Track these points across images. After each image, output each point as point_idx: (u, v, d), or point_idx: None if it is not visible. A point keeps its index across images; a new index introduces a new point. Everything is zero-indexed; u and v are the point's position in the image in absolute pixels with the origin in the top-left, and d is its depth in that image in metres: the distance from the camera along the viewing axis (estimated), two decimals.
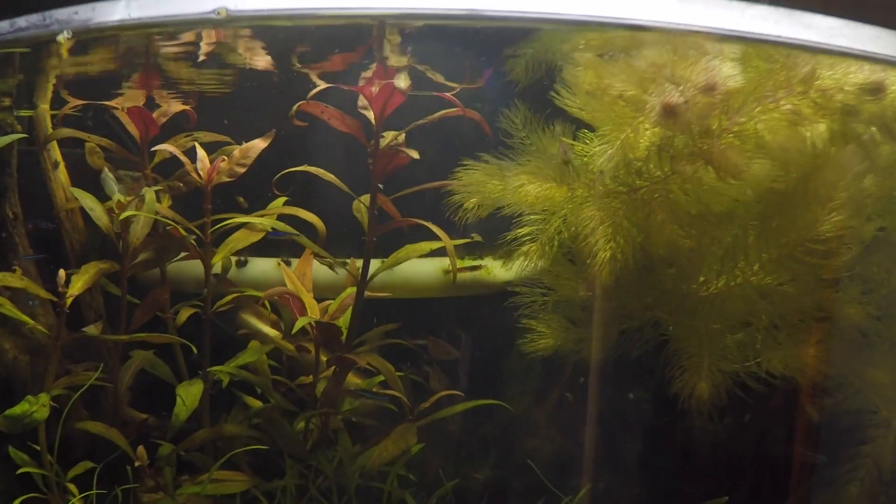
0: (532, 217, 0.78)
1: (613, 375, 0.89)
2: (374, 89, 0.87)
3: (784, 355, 0.72)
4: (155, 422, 1.09)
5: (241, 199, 1.06)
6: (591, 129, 0.76)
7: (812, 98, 0.65)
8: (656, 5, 0.58)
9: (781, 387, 0.85)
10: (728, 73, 0.62)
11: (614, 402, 0.92)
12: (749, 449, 0.90)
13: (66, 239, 1.11)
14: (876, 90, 0.65)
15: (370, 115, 0.90)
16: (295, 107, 0.88)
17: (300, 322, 0.92)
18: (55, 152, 1.11)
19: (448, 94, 0.90)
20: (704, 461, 0.90)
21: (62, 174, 1.12)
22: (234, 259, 1.13)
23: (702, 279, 0.70)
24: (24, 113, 1.08)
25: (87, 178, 1.06)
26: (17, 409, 0.91)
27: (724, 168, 0.64)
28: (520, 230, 0.78)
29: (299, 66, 0.89)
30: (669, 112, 0.59)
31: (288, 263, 1.12)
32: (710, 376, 0.68)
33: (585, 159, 0.76)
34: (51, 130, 1.08)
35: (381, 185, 0.92)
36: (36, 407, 0.91)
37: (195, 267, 1.06)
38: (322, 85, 0.87)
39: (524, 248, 0.76)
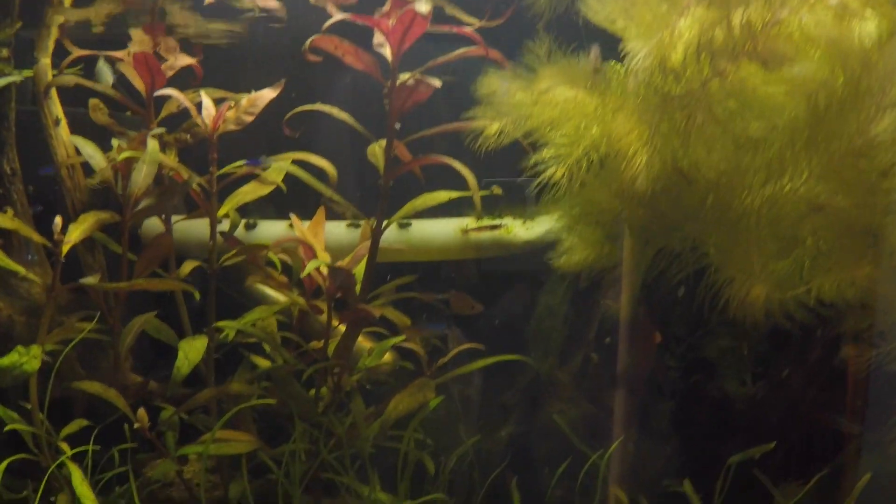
0: (560, 139, 0.73)
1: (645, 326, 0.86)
2: (391, 22, 0.84)
3: (835, 279, 0.67)
4: (157, 387, 1.05)
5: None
6: (618, 58, 0.72)
7: None
8: None
9: (821, 338, 0.81)
10: None
11: (643, 358, 0.89)
12: (788, 405, 0.85)
13: (67, 197, 1.08)
14: None
15: (387, 52, 0.87)
16: (308, 41, 0.85)
17: (311, 264, 0.88)
18: (56, 108, 1.08)
19: (468, 30, 0.87)
20: (740, 419, 0.86)
21: (63, 131, 1.09)
22: (242, 221, 1.09)
23: (748, 189, 0.66)
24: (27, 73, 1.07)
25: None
26: (6, 360, 0.87)
27: (769, 60, 0.61)
28: (545, 152, 0.73)
29: None
30: None
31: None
32: (764, 295, 0.64)
33: (615, 72, 0.72)
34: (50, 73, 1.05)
35: (398, 125, 0.88)
36: (26, 358, 0.87)
37: (201, 228, 1.03)
38: (338, 16, 0.83)
39: (550, 172, 0.72)
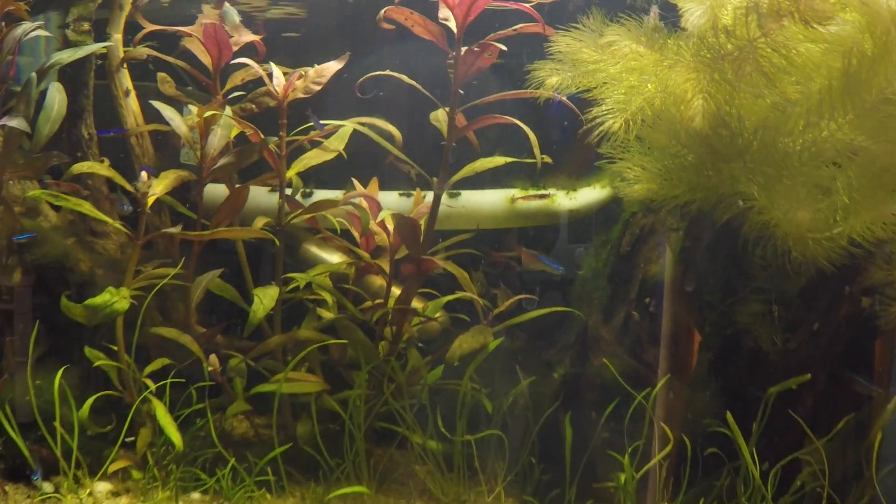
0: (616, 93, 0.84)
1: (688, 279, 0.96)
2: None
3: (866, 218, 0.77)
4: (223, 340, 1.15)
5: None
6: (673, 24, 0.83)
7: None
8: None
9: (849, 294, 0.91)
10: None
11: (684, 312, 0.98)
12: (819, 356, 0.94)
13: (135, 163, 1.19)
14: None
15: (452, 24, 0.98)
16: (382, 11, 0.96)
17: (382, 214, 0.99)
18: (126, 80, 1.19)
19: (527, 6, 0.98)
20: (773, 369, 0.95)
21: (133, 101, 1.20)
22: (300, 190, 1.20)
23: (789, 134, 0.76)
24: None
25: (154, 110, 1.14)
26: (98, 299, 0.97)
27: (809, 17, 0.71)
28: (605, 105, 0.84)
29: None
30: None
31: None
32: (806, 219, 0.75)
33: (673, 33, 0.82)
34: (121, 49, 1.16)
35: (461, 92, 0.99)
36: (117, 298, 0.97)
37: (257, 197, 1.14)
38: None
39: (608, 124, 0.82)
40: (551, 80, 0.86)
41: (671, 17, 0.86)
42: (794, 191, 0.74)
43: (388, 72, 1.01)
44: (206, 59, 1.13)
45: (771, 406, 0.92)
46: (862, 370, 0.96)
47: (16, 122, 0.99)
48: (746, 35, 0.76)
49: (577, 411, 1.00)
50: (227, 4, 1.05)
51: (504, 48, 0.95)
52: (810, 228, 0.74)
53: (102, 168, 0.99)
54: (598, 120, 0.86)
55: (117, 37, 1.17)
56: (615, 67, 0.81)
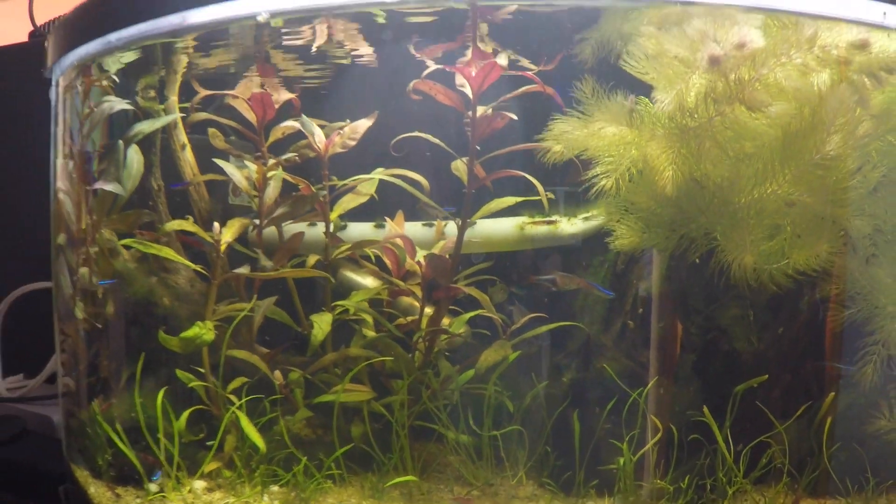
0: (606, 159, 1.11)
1: (673, 298, 1.23)
2: (472, 70, 1.21)
3: (806, 254, 1.05)
4: (279, 356, 1.42)
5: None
6: (648, 96, 1.10)
7: (815, 53, 0.99)
8: None
9: (807, 299, 1.18)
10: (754, 36, 0.97)
11: (671, 320, 1.26)
12: (784, 350, 1.22)
13: (194, 207, 1.46)
14: (862, 46, 0.99)
15: (468, 90, 1.25)
16: (411, 84, 1.23)
17: (420, 254, 1.26)
18: (183, 135, 1.46)
19: (529, 73, 1.25)
20: (749, 365, 1.22)
21: (189, 154, 1.47)
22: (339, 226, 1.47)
23: (742, 191, 1.04)
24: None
25: (206, 159, 1.41)
26: (190, 333, 1.24)
27: (753, 105, 0.99)
28: (596, 170, 1.11)
29: (416, 53, 1.23)
30: (714, 61, 0.93)
31: (382, 226, 1.46)
32: (753, 262, 1.03)
33: (647, 111, 1.10)
34: (178, 117, 1.43)
35: (478, 147, 1.26)
36: (205, 330, 1.24)
37: (309, 232, 1.41)
38: (433, 66, 1.22)
39: (601, 184, 1.10)
40: (556, 147, 1.13)
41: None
42: (742, 239, 1.01)
43: (416, 133, 1.27)
44: (251, 117, 1.40)
45: (744, 398, 1.19)
46: (817, 366, 1.25)
47: (112, 187, 1.26)
48: (706, 114, 1.03)
49: (583, 408, 1.28)
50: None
51: (515, 117, 1.22)
52: (756, 267, 1.02)
53: (188, 224, 1.26)
54: (593, 180, 1.14)
55: (174, 98, 1.44)
56: (603, 142, 1.09)
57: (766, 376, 1.16)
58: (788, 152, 1.02)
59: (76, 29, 1.19)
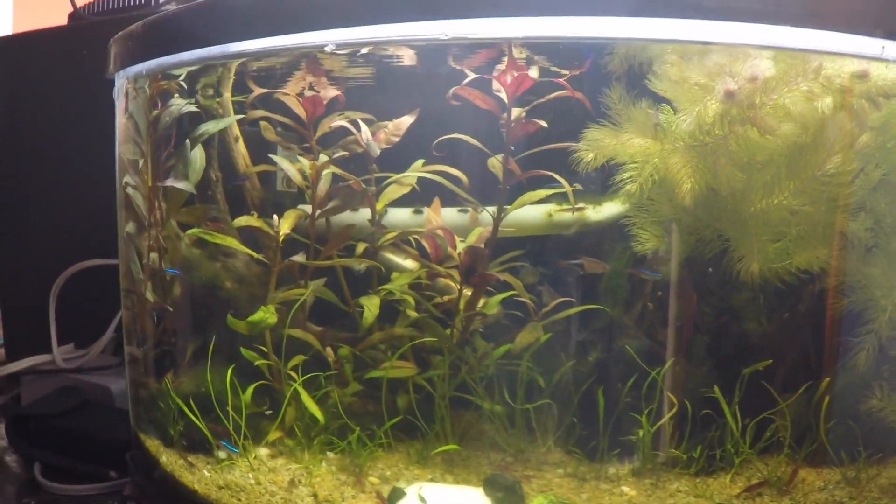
0: (631, 166, 1.28)
1: (689, 285, 1.40)
2: (508, 78, 1.38)
3: (807, 256, 1.23)
4: (330, 333, 1.60)
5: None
6: (669, 103, 1.27)
7: (820, 82, 1.15)
8: (718, 29, 1.09)
9: (810, 289, 1.36)
10: (765, 67, 1.13)
11: (687, 305, 1.43)
12: (792, 333, 1.39)
13: (247, 196, 1.63)
14: (862, 76, 1.16)
15: (503, 96, 1.41)
16: (451, 90, 1.39)
17: (460, 246, 1.44)
18: (236, 129, 1.63)
19: (560, 80, 1.41)
20: (757, 347, 1.40)
21: (241, 146, 1.63)
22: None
23: (751, 201, 1.22)
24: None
25: (257, 150, 1.58)
26: (256, 317, 1.42)
27: (762, 128, 1.15)
28: (623, 174, 1.28)
29: (454, 63, 1.39)
30: (729, 95, 1.10)
31: (420, 212, 1.64)
32: (760, 264, 1.20)
33: (670, 125, 1.26)
34: (232, 113, 1.59)
35: (512, 147, 1.43)
36: (268, 314, 1.42)
37: (353, 217, 1.58)
38: (472, 76, 1.38)
39: (626, 188, 1.27)
40: (588, 156, 1.30)
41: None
42: (751, 245, 1.19)
43: (455, 135, 1.44)
44: (300, 112, 1.56)
45: (751, 377, 1.38)
46: (818, 349, 1.43)
47: (182, 185, 1.43)
48: (721, 133, 1.20)
49: (607, 383, 1.46)
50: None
51: (545, 125, 1.38)
52: (762, 270, 1.20)
53: (254, 220, 1.44)
54: (620, 182, 1.31)
55: (227, 95, 1.60)
56: (630, 151, 1.26)
57: (771, 361, 1.33)
58: (793, 168, 1.19)
59: (145, 44, 1.36)
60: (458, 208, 1.72)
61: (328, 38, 1.17)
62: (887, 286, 1.30)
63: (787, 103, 1.16)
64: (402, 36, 1.15)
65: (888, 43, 1.13)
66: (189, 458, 1.41)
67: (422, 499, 1.33)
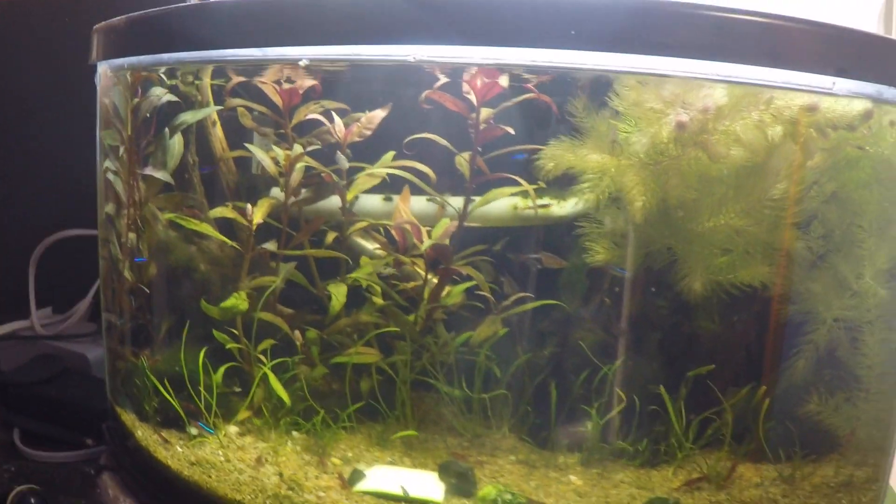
0: (589, 176, 1.35)
1: (641, 285, 1.48)
2: (479, 82, 1.44)
3: (749, 272, 1.30)
4: (299, 316, 1.67)
5: None
6: (627, 122, 1.32)
7: (770, 112, 1.22)
8: (674, 64, 1.15)
9: (761, 296, 1.43)
10: (718, 97, 1.20)
11: (640, 305, 1.51)
12: (738, 338, 1.48)
13: (223, 179, 1.69)
14: (811, 109, 1.23)
15: (472, 98, 1.47)
16: (424, 94, 1.45)
17: (426, 244, 1.51)
18: (214, 114, 1.68)
19: (528, 84, 1.47)
20: (705, 348, 1.48)
21: (219, 130, 1.69)
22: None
23: (700, 220, 1.29)
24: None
25: (236, 133, 1.63)
26: (228, 303, 1.49)
27: (712, 155, 1.22)
28: (582, 185, 1.35)
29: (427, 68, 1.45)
30: (680, 126, 1.17)
31: (390, 199, 1.70)
32: (702, 281, 1.28)
33: (627, 139, 1.33)
34: (211, 99, 1.65)
35: (479, 148, 1.49)
36: (240, 300, 1.49)
37: (327, 204, 1.65)
38: (444, 79, 1.44)
39: (584, 197, 1.34)
40: (549, 165, 1.37)
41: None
42: (696, 264, 1.27)
43: (425, 135, 1.50)
44: (277, 100, 1.61)
45: (698, 376, 1.46)
46: (762, 352, 1.51)
47: (161, 175, 1.49)
48: (674, 154, 1.26)
49: (561, 376, 1.54)
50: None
51: (512, 131, 1.44)
52: (713, 276, 1.28)
53: (228, 211, 1.50)
54: (577, 195, 1.38)
55: (206, 80, 1.65)
56: (588, 165, 1.32)
57: (714, 366, 1.41)
58: (740, 191, 1.26)
59: (126, 40, 1.41)
60: (427, 197, 1.79)
61: (303, 53, 1.23)
62: (827, 301, 1.38)
63: (738, 130, 1.23)
64: (372, 55, 1.20)
65: (838, 79, 1.20)
66: (163, 434, 1.49)
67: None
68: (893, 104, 1.34)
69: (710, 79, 1.18)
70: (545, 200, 1.69)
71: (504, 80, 1.42)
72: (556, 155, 1.35)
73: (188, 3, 1.40)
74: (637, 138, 1.26)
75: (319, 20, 1.19)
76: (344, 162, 1.53)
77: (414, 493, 1.40)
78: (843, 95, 1.23)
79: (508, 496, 1.34)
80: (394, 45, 1.17)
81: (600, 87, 1.35)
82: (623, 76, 1.27)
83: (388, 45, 1.17)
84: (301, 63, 1.26)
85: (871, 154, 1.34)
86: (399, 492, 1.39)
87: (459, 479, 1.40)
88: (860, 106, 1.27)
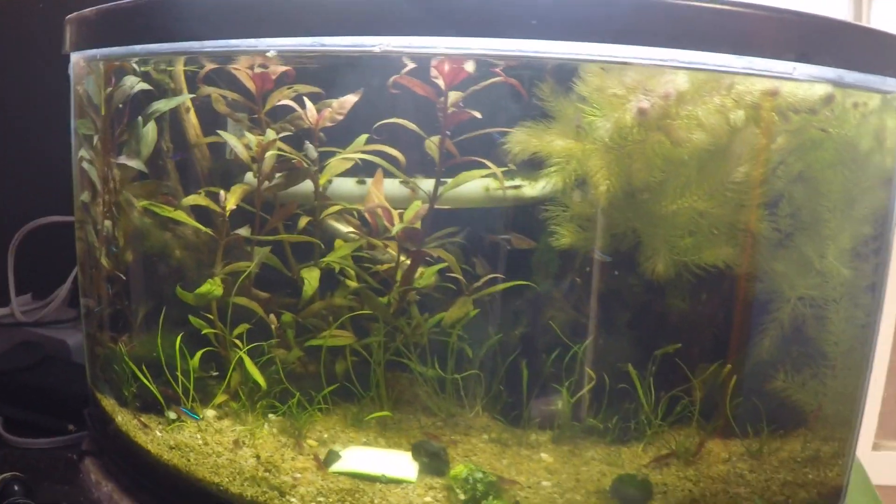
0: (556, 160, 1.37)
1: (610, 266, 1.50)
2: (446, 67, 1.45)
3: (713, 252, 1.33)
4: (274, 300, 1.70)
5: None
6: (592, 106, 1.34)
7: (732, 97, 1.24)
8: (635, 51, 1.17)
9: (728, 276, 1.46)
10: (679, 83, 1.22)
11: (610, 285, 1.53)
12: (706, 317, 1.50)
13: (197, 165, 1.70)
14: (772, 93, 1.24)
15: (440, 83, 1.48)
16: (392, 79, 1.46)
17: (396, 228, 1.53)
18: (187, 101, 1.69)
19: (496, 69, 1.48)
20: (675, 326, 1.51)
21: (193, 116, 1.70)
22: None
23: (664, 202, 1.31)
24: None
25: (211, 118, 1.65)
26: (203, 289, 1.51)
27: (674, 139, 1.24)
28: (550, 168, 1.37)
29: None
30: (641, 112, 1.19)
31: (362, 182, 1.72)
32: (666, 262, 1.30)
33: (591, 124, 1.34)
34: (184, 85, 1.66)
35: (448, 132, 1.51)
36: (214, 286, 1.51)
37: (301, 188, 1.66)
38: (411, 65, 1.45)
39: (551, 179, 1.36)
40: (516, 147, 1.39)
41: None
42: (660, 245, 1.29)
43: (394, 119, 1.51)
44: (251, 86, 1.63)
45: (668, 354, 1.48)
46: (729, 330, 1.54)
47: (134, 163, 1.50)
48: (637, 138, 1.28)
49: (532, 355, 1.57)
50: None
51: (479, 115, 1.46)
52: (678, 257, 1.30)
53: (201, 199, 1.51)
54: (546, 177, 1.40)
55: (179, 68, 1.66)
56: (554, 149, 1.34)
57: (680, 345, 1.44)
58: (703, 174, 1.28)
59: (97, 32, 1.42)
60: (401, 180, 1.80)
61: (271, 43, 1.24)
62: (791, 280, 1.40)
63: (700, 115, 1.25)
64: (338, 46, 1.22)
65: (799, 65, 1.22)
66: (142, 419, 1.51)
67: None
68: (856, 87, 1.36)
69: (671, 65, 1.20)
70: (517, 182, 1.72)
71: (470, 66, 1.44)
72: (522, 140, 1.37)
73: None
74: (601, 123, 1.28)
75: (286, 12, 1.21)
76: (312, 151, 1.55)
77: (389, 473, 1.43)
78: (803, 80, 1.25)
79: (479, 474, 1.36)
80: (359, 36, 1.19)
81: (566, 73, 1.37)
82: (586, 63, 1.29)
83: (354, 37, 1.19)
84: (269, 54, 1.28)
85: (835, 136, 1.36)
86: (373, 472, 1.42)
87: (432, 459, 1.42)
88: (821, 90, 1.29)
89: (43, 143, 2.16)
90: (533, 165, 1.66)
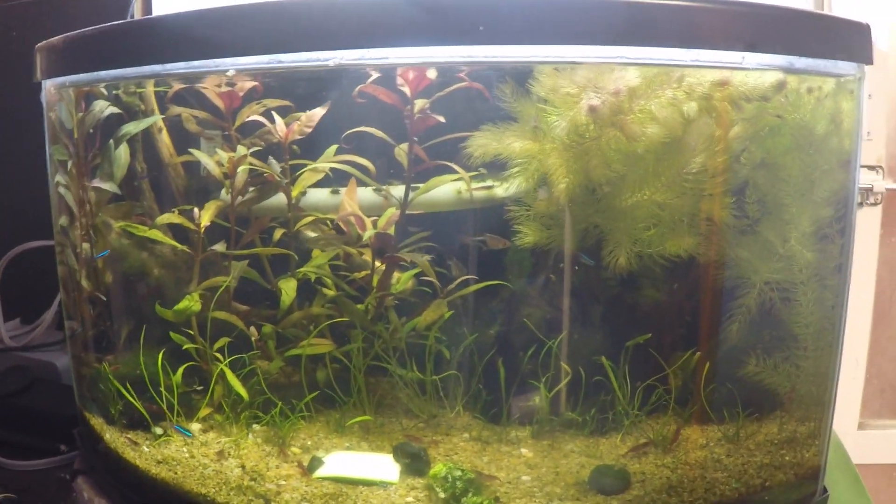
0: (518, 161, 1.39)
1: (579, 262, 1.52)
2: (410, 75, 1.47)
3: (674, 243, 1.35)
4: (253, 312, 1.72)
5: None
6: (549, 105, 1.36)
7: (683, 90, 1.26)
8: (585, 51, 1.19)
9: (693, 265, 1.48)
10: (630, 78, 1.24)
11: (582, 279, 1.55)
12: (675, 306, 1.52)
13: (172, 183, 1.73)
14: (722, 83, 1.27)
15: (406, 90, 1.51)
16: (357, 88, 1.48)
17: (368, 233, 1.55)
18: (159, 121, 1.71)
19: (460, 73, 1.51)
20: (646, 317, 1.53)
21: (165, 136, 1.73)
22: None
23: (623, 196, 1.33)
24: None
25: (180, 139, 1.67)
26: (181, 305, 1.53)
27: (628, 134, 1.27)
28: (512, 169, 1.39)
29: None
30: (592, 110, 1.21)
31: (336, 192, 1.74)
32: (628, 255, 1.32)
33: (549, 124, 1.37)
34: (155, 106, 1.68)
35: (416, 138, 1.53)
36: (192, 302, 1.54)
37: (275, 201, 1.69)
38: (376, 75, 1.47)
39: (514, 180, 1.38)
40: (477, 151, 1.41)
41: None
42: (621, 238, 1.31)
43: (363, 128, 1.54)
44: (219, 104, 1.65)
45: (642, 344, 1.51)
46: (698, 318, 1.56)
47: (108, 186, 1.52)
48: (595, 134, 1.31)
49: (509, 352, 1.59)
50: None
51: (443, 120, 1.48)
52: (640, 249, 1.33)
53: (175, 217, 1.54)
54: (509, 178, 1.43)
55: (150, 89, 1.69)
56: (512, 151, 1.37)
57: (651, 335, 1.46)
58: (660, 167, 1.31)
59: (65, 60, 1.45)
60: (374, 188, 1.83)
61: (232, 63, 1.27)
62: (755, 266, 1.42)
63: (653, 109, 1.27)
64: (295, 62, 1.24)
65: (747, 54, 1.24)
66: (129, 436, 1.54)
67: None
68: (809, 72, 1.38)
69: (620, 62, 1.23)
70: (489, 182, 1.74)
71: (432, 73, 1.46)
72: (482, 143, 1.39)
73: (123, 22, 1.43)
74: (557, 122, 1.30)
75: (243, 32, 1.24)
76: (276, 166, 1.57)
77: (371, 476, 1.45)
78: (754, 69, 1.27)
79: (458, 472, 1.39)
80: (313, 51, 1.21)
81: (523, 74, 1.39)
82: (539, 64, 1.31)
83: (308, 52, 1.21)
84: (228, 73, 1.30)
85: (791, 121, 1.38)
86: (356, 475, 1.44)
87: (412, 460, 1.45)
88: (773, 77, 1.31)
89: (26, 168, 2.19)
90: (503, 167, 1.69)
